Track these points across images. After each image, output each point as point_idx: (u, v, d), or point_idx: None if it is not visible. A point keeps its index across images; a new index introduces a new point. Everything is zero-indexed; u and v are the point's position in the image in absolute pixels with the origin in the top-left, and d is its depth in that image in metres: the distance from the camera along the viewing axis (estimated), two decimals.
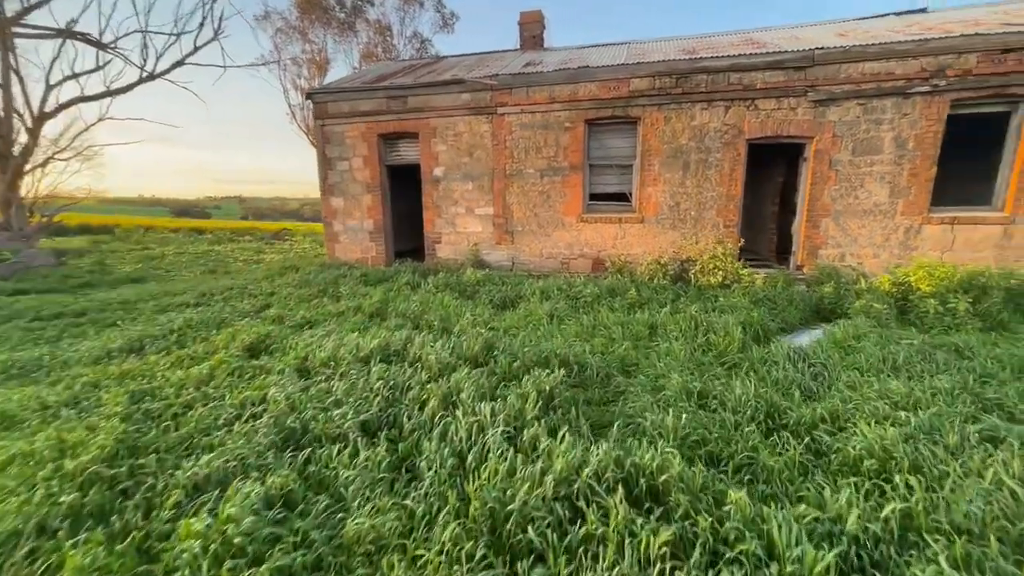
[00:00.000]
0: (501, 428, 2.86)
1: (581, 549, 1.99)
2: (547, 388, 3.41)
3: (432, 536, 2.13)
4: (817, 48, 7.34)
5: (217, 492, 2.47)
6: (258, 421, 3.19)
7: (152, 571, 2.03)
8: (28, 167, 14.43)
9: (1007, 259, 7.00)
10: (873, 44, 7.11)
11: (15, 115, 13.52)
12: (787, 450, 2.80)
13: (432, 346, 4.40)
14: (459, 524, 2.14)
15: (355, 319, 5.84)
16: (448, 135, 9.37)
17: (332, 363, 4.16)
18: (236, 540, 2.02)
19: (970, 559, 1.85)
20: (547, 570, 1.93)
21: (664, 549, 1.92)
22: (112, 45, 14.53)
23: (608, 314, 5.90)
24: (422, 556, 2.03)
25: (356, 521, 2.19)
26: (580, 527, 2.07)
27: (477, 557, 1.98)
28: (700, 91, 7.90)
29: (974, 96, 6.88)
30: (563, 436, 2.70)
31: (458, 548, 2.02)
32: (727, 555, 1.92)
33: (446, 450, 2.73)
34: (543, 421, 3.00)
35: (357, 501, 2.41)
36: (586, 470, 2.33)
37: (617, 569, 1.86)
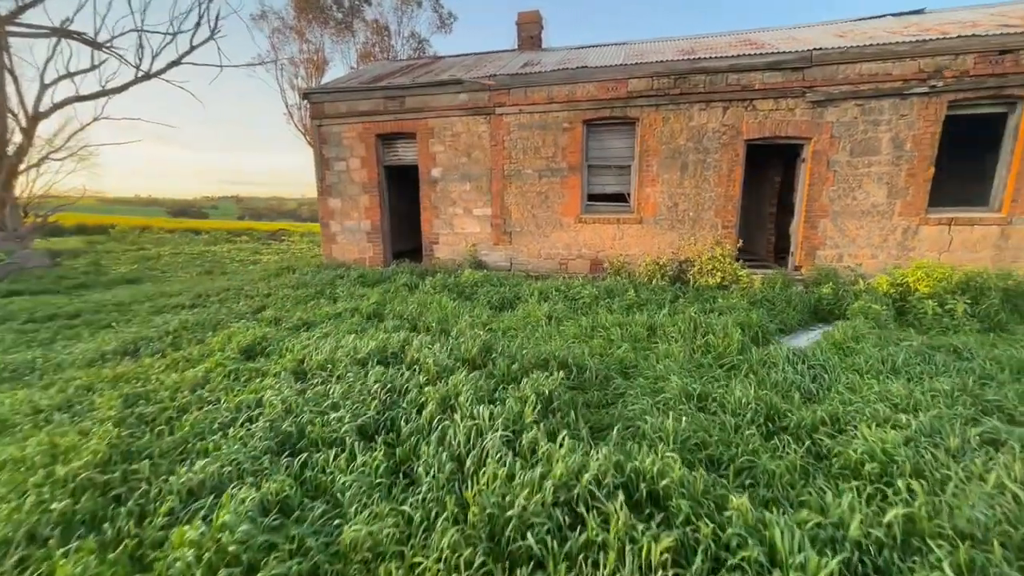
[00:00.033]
0: (500, 432, 2.83)
1: (581, 556, 1.96)
2: (546, 391, 3.38)
3: (430, 543, 2.10)
4: (815, 49, 7.35)
5: (212, 498, 2.43)
6: (254, 425, 3.15)
7: None
8: (22, 167, 14.33)
9: (1004, 259, 7.01)
10: (871, 45, 7.11)
11: (9, 114, 13.41)
12: (788, 453, 2.79)
13: (430, 348, 4.37)
14: (458, 530, 2.11)
15: (352, 321, 5.80)
16: (446, 135, 9.34)
17: (329, 365, 4.12)
18: (231, 548, 1.99)
19: (974, 565, 1.83)
20: None
21: (665, 556, 1.89)
22: (107, 44, 14.43)
23: (607, 315, 5.88)
24: (420, 564, 2.00)
25: (353, 528, 2.16)
26: (580, 533, 2.05)
27: (476, 564, 1.95)
28: (698, 92, 7.89)
29: (971, 97, 6.90)
30: (563, 440, 2.67)
31: (457, 555, 1.99)
32: (729, 562, 1.90)
33: (444, 454, 2.70)
34: (542, 424, 2.97)
35: (354, 507, 2.37)
36: (586, 475, 2.30)
37: None
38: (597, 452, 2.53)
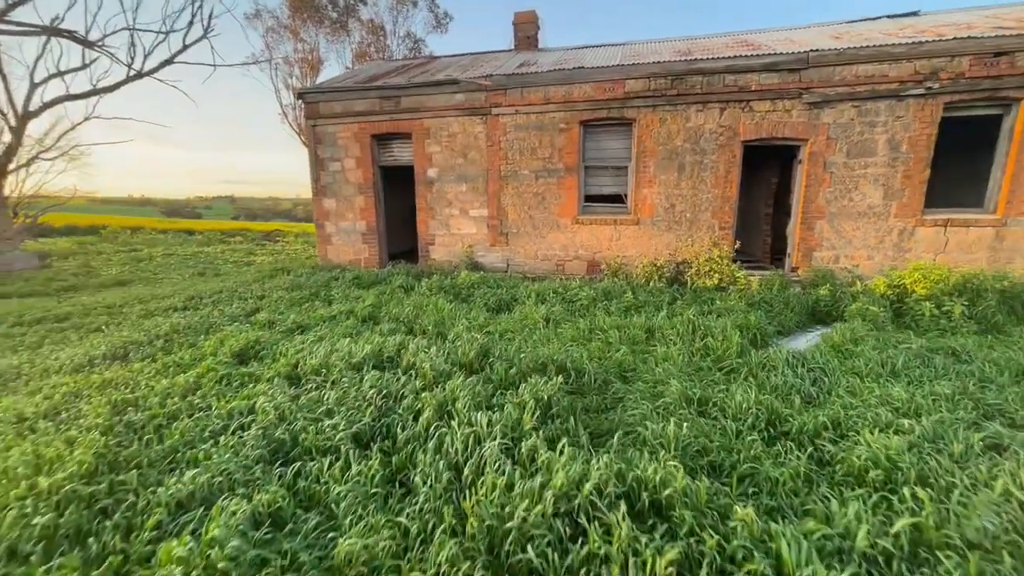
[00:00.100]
0: (498, 439, 2.77)
1: (583, 570, 1.90)
2: (545, 396, 3.32)
3: (427, 556, 2.04)
4: (811, 50, 7.35)
5: (201, 510, 2.36)
6: (246, 433, 3.07)
7: None
8: (12, 167, 14.11)
9: (999, 261, 7.04)
10: (867, 47, 7.12)
11: None
12: (790, 460, 2.74)
13: (426, 352, 4.30)
14: (456, 543, 2.05)
15: (347, 323, 5.72)
16: (442, 136, 9.27)
17: (323, 370, 4.05)
18: (220, 565, 1.91)
19: None
20: None
21: (670, 569, 1.84)
22: (98, 43, 14.21)
23: (604, 317, 5.83)
24: None
25: (348, 541, 2.09)
26: (582, 546, 1.99)
27: None
28: (695, 93, 7.87)
29: (966, 99, 6.92)
30: (563, 447, 2.61)
31: (455, 569, 1.93)
32: (735, 574, 1.85)
33: (441, 463, 2.63)
34: (541, 431, 2.91)
35: (349, 518, 2.31)
36: (587, 484, 2.24)
37: None
38: (598, 460, 2.47)
